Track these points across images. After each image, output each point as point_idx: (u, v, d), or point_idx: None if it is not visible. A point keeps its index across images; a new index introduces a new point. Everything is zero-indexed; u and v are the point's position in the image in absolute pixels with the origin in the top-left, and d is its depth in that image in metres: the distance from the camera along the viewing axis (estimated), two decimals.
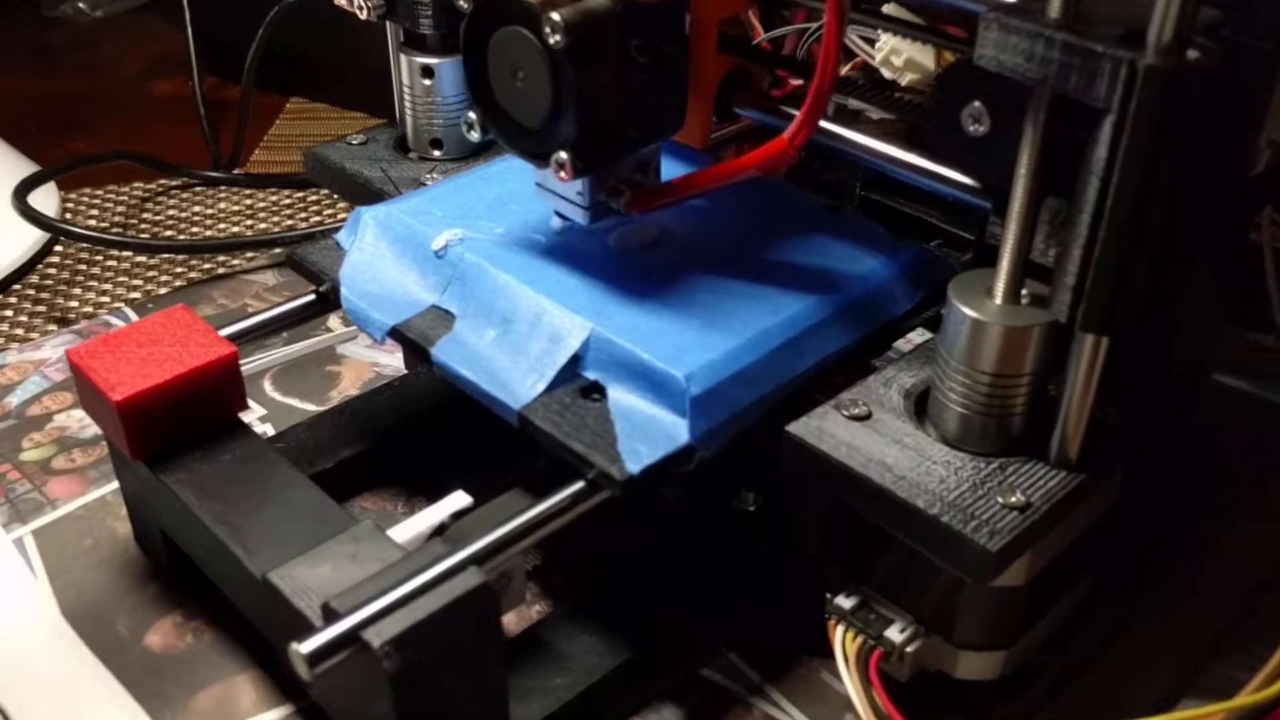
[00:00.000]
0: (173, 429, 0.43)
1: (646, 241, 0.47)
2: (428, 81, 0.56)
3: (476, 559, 0.37)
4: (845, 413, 0.41)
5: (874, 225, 0.49)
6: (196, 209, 0.80)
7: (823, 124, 0.46)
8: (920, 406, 0.42)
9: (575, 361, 0.42)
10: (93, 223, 0.79)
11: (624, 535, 0.49)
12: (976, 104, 0.38)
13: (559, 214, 0.45)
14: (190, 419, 0.43)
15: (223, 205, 0.80)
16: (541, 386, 0.41)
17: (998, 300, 0.38)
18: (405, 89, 0.57)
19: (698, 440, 0.40)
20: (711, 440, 0.40)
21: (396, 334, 0.45)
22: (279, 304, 0.49)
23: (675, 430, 0.40)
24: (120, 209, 0.80)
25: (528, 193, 0.45)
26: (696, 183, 0.44)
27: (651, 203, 0.44)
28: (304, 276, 0.49)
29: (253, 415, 0.57)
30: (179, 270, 0.73)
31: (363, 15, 0.55)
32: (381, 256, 0.48)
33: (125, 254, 0.75)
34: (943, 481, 0.38)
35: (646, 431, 0.40)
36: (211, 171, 0.82)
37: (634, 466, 0.38)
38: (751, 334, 0.42)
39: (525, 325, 0.43)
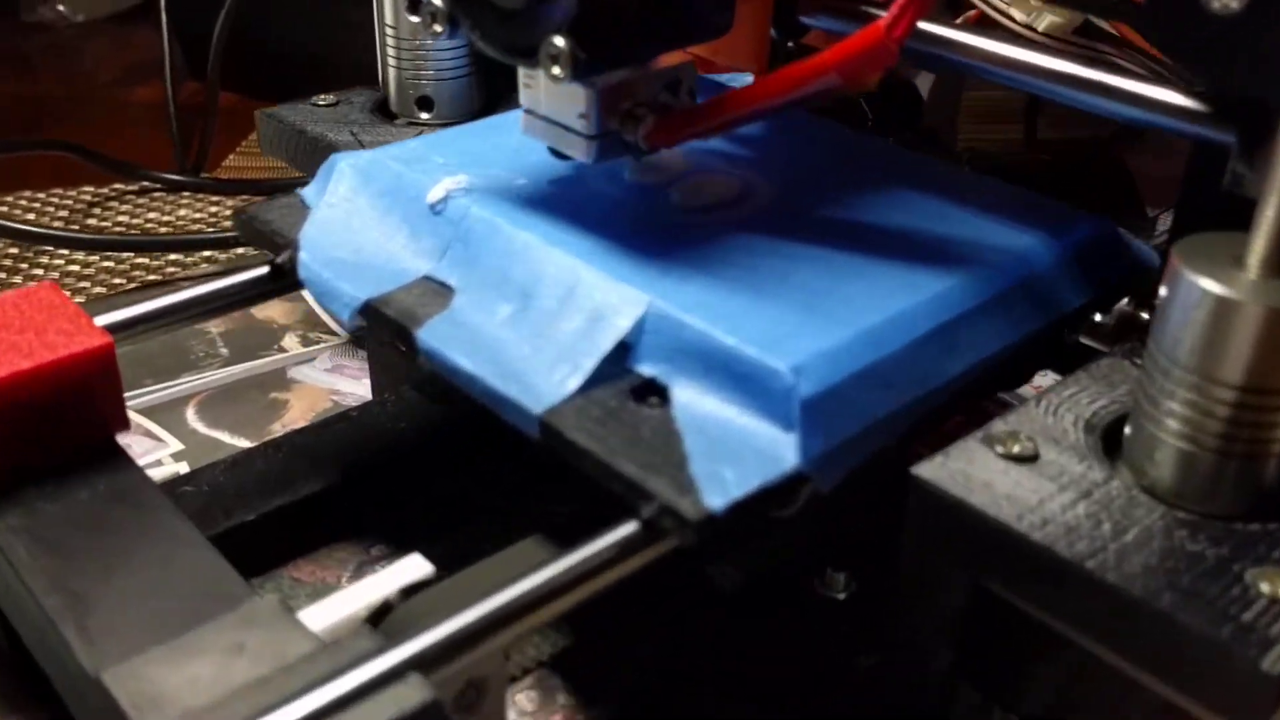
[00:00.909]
0: (10, 451, 0.31)
1: (724, 198, 0.35)
2: (416, 19, 0.43)
3: (423, 660, 0.24)
4: (1000, 450, 0.28)
5: (1037, 195, 0.36)
6: (152, 215, 0.68)
7: (948, 32, 0.33)
8: (1110, 442, 0.28)
9: (625, 352, 0.30)
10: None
11: (661, 629, 0.35)
12: None
13: (554, 151, 0.33)
14: (38, 439, 0.31)
15: (183, 212, 0.68)
16: (575, 383, 0.29)
17: (1254, 273, 0.25)
18: (388, 32, 0.44)
19: (811, 465, 0.27)
20: (830, 467, 0.28)
21: (370, 312, 0.33)
22: (201, 279, 0.36)
23: (777, 449, 0.27)
24: (62, 213, 0.68)
25: None
26: (746, 100, 0.31)
27: (681, 131, 0.32)
28: (254, 243, 0.37)
29: (163, 452, 0.44)
30: (118, 281, 0.60)
31: None
32: (359, 213, 0.36)
33: (60, 258, 0.62)
34: (1166, 557, 0.25)
35: (733, 450, 0.27)
36: (174, 174, 0.69)
37: (716, 500, 0.26)
38: (882, 317, 0.30)
39: (553, 300, 0.31)
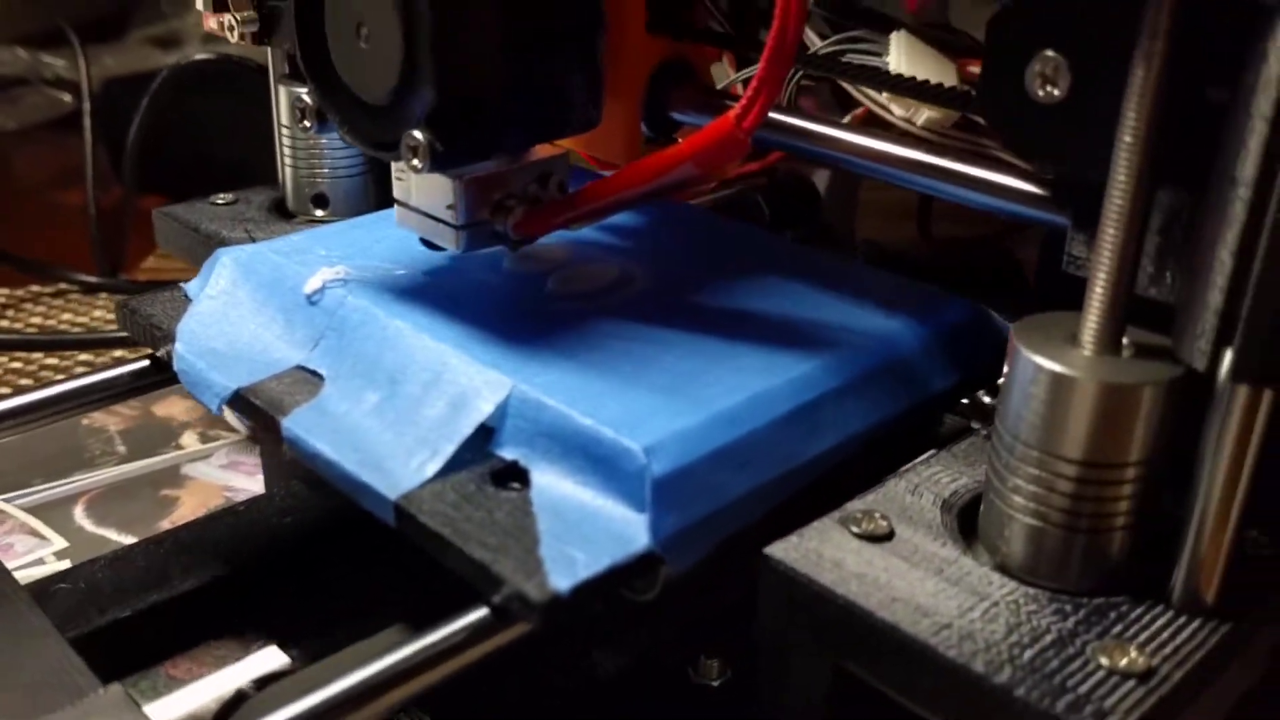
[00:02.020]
0: None
1: (597, 286, 0.35)
2: (294, 114, 0.44)
3: None
4: (855, 529, 0.28)
5: (906, 279, 0.37)
6: (66, 315, 0.68)
7: (816, 126, 0.34)
8: (967, 521, 0.29)
9: (488, 436, 0.30)
10: None
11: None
12: (1049, 53, 0.26)
13: (425, 241, 0.34)
14: None
15: (98, 313, 0.68)
16: (434, 468, 0.29)
17: (1087, 350, 0.25)
18: (284, 132, 0.45)
19: (663, 545, 0.27)
20: (685, 547, 0.28)
21: (239, 402, 0.32)
22: (83, 374, 0.36)
23: (628, 529, 0.27)
24: None
25: None
26: (609, 190, 0.32)
27: (549, 221, 0.32)
28: (136, 337, 0.37)
29: (46, 550, 0.43)
30: (24, 382, 0.60)
31: (233, 37, 0.44)
32: (238, 305, 0.36)
33: None
34: (1010, 633, 0.25)
35: (585, 531, 0.27)
36: (89, 275, 0.69)
37: (562, 581, 0.25)
38: (740, 399, 0.30)
39: (418, 386, 0.31)
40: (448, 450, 0.29)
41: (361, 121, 0.31)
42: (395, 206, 0.34)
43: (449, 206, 0.32)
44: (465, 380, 0.30)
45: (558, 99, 0.32)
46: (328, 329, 0.34)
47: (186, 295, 0.37)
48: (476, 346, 0.31)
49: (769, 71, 0.28)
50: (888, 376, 0.32)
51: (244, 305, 0.36)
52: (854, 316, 0.34)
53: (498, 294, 0.35)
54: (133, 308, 0.37)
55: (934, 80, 0.37)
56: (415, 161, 0.29)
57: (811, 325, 0.34)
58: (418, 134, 0.29)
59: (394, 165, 0.33)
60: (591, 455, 0.28)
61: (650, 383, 0.30)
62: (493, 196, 0.32)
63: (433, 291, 0.34)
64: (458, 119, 0.29)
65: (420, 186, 0.33)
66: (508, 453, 0.29)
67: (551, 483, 0.28)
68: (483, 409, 0.29)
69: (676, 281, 0.36)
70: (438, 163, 0.29)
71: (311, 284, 0.35)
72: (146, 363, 0.37)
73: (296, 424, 0.31)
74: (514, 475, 0.29)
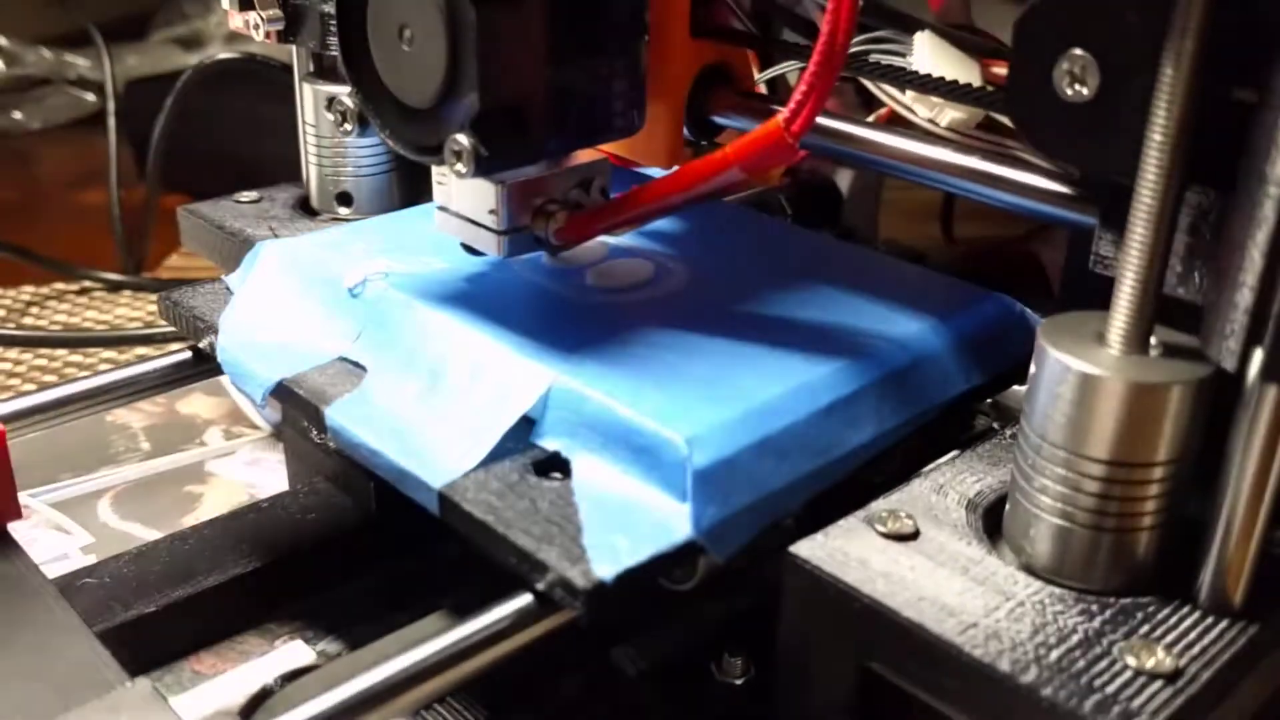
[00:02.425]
0: None
1: (636, 280, 0.36)
2: (335, 117, 0.44)
3: None
4: (880, 528, 0.28)
5: (943, 275, 0.37)
6: (90, 313, 0.68)
7: (841, 124, 0.34)
8: (992, 521, 0.28)
9: (530, 427, 0.30)
10: None
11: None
12: (1078, 52, 0.26)
13: (466, 246, 0.34)
14: None
15: (121, 310, 0.68)
16: (477, 457, 0.29)
17: (1115, 349, 0.25)
18: (309, 130, 0.45)
19: (705, 535, 0.27)
20: (726, 538, 0.28)
21: (283, 393, 0.33)
22: (121, 365, 0.37)
23: (671, 519, 0.27)
24: None
25: None
26: (653, 196, 0.31)
27: (590, 227, 0.32)
28: (178, 328, 0.38)
29: (72, 545, 0.43)
30: (49, 379, 0.60)
31: (258, 36, 0.44)
32: (280, 298, 0.36)
33: None
34: (1036, 632, 0.25)
35: (628, 520, 0.27)
36: (112, 273, 0.70)
37: (606, 569, 0.26)
38: (781, 390, 0.30)
39: (461, 377, 0.31)
40: (490, 440, 0.29)
41: (403, 125, 0.31)
42: (436, 211, 0.34)
43: (491, 211, 0.32)
44: (507, 372, 0.31)
45: (601, 104, 0.32)
46: (369, 321, 0.34)
47: (228, 288, 0.38)
48: (517, 339, 0.32)
49: (818, 76, 0.27)
50: (924, 371, 0.33)
51: (285, 298, 0.36)
52: (891, 311, 0.34)
53: (536, 288, 0.35)
54: (175, 300, 0.38)
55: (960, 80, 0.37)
56: (459, 166, 0.29)
57: (849, 319, 0.34)
58: (461, 138, 0.29)
59: (435, 170, 0.33)
60: (633, 446, 0.28)
61: (690, 374, 0.30)
62: (534, 201, 0.32)
63: (472, 285, 0.35)
64: (502, 124, 0.29)
65: (461, 191, 0.33)
66: (549, 443, 0.30)
67: (593, 473, 0.29)
68: (524, 400, 0.30)
69: (712, 277, 0.36)
70: (481, 168, 0.29)
71: (353, 277, 0.35)
72: (188, 354, 0.38)
73: (340, 414, 0.31)
74: (556, 466, 0.29)
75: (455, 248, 0.36)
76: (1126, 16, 0.24)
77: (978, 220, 0.53)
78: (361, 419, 0.31)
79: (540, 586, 0.26)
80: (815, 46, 0.27)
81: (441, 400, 0.31)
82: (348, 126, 0.32)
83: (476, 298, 0.34)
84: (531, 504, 0.28)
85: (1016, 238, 0.50)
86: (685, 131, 0.39)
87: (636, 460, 0.29)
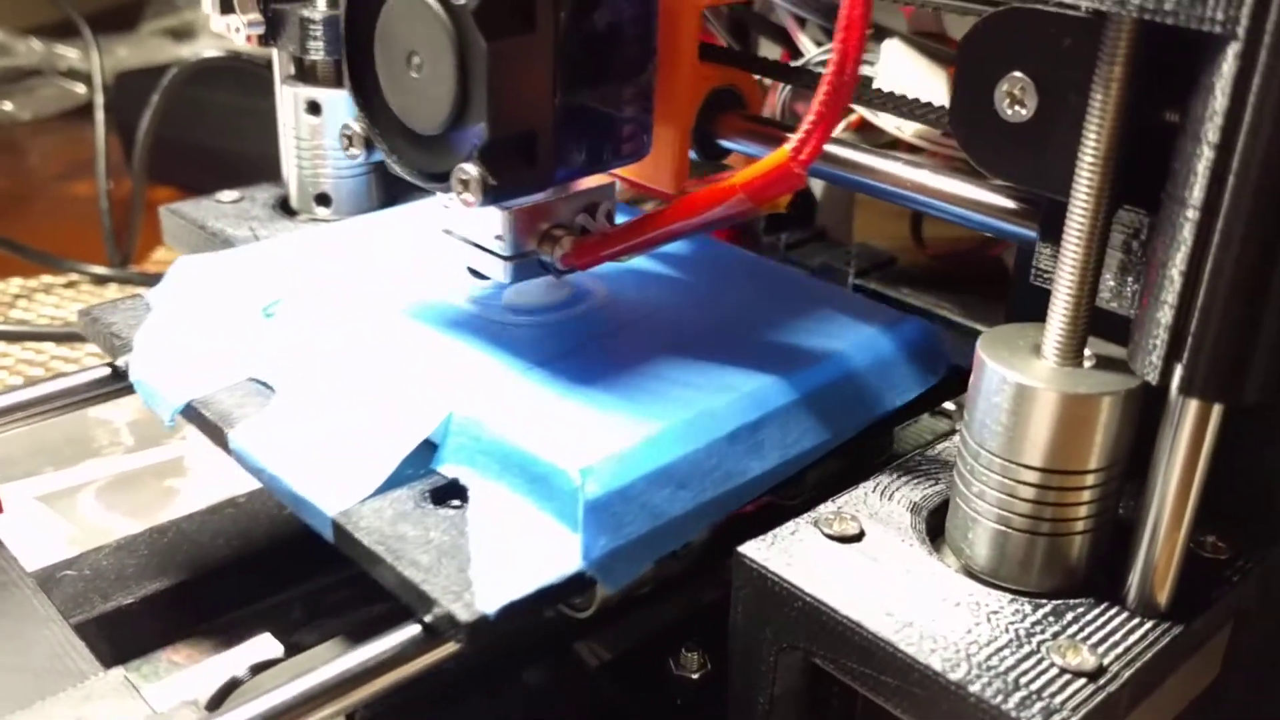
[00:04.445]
0: None
1: (551, 302, 0.35)
2: (315, 120, 0.45)
3: None
4: (826, 530, 0.29)
5: (860, 297, 0.37)
6: (78, 307, 0.68)
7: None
8: (934, 525, 0.29)
9: (431, 453, 0.30)
10: None
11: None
12: (1017, 74, 0.27)
13: (472, 270, 0.33)
14: None
15: None
16: (374, 484, 0.29)
17: (1050, 360, 0.26)
18: (289, 131, 0.46)
19: (596, 566, 0.27)
20: (618, 569, 0.28)
21: (191, 414, 0.33)
22: (38, 381, 0.37)
23: (562, 550, 0.27)
24: None
25: (423, 245, 0.35)
26: (661, 223, 0.31)
27: (597, 252, 0.32)
28: (97, 344, 0.37)
29: (54, 537, 0.44)
30: (35, 372, 0.61)
31: (239, 39, 0.45)
32: (195, 316, 0.36)
33: None
34: (970, 632, 0.26)
35: (518, 551, 0.27)
36: (99, 267, 0.70)
37: (489, 603, 0.26)
38: (682, 418, 0.30)
39: (362, 402, 0.31)
40: (388, 468, 0.29)
41: (410, 151, 0.31)
42: (443, 231, 0.34)
43: (497, 237, 0.32)
44: (408, 398, 0.30)
45: (610, 130, 0.31)
46: (279, 342, 0.34)
47: (147, 304, 0.38)
48: (421, 363, 0.32)
49: (828, 105, 0.27)
50: (834, 395, 0.32)
51: (201, 316, 0.36)
52: (805, 335, 0.34)
53: (450, 309, 0.35)
54: (94, 316, 0.38)
55: (925, 89, 0.38)
56: (467, 195, 0.29)
57: (760, 344, 0.34)
58: (469, 168, 0.29)
59: (440, 195, 0.32)
60: (529, 475, 0.28)
61: (592, 402, 0.30)
62: (540, 226, 0.32)
63: (384, 308, 0.35)
64: (511, 153, 0.29)
65: (466, 215, 0.33)
66: (449, 470, 0.30)
67: (490, 501, 0.29)
68: (424, 427, 0.30)
69: (630, 299, 0.36)
70: (489, 197, 0.29)
71: (266, 296, 0.35)
72: (106, 371, 0.37)
73: (243, 438, 0.31)
74: (455, 493, 0.29)
75: (374, 269, 0.36)
76: (1062, 41, 0.25)
77: (949, 224, 0.53)
78: (263, 443, 0.31)
79: (427, 619, 0.26)
80: (825, 77, 0.27)
81: (344, 425, 0.31)
82: (354, 150, 0.32)
83: (386, 320, 0.34)
84: (424, 532, 0.28)
85: (987, 243, 0.51)
86: (692, 154, 0.39)
87: (532, 489, 0.28)
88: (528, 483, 0.28)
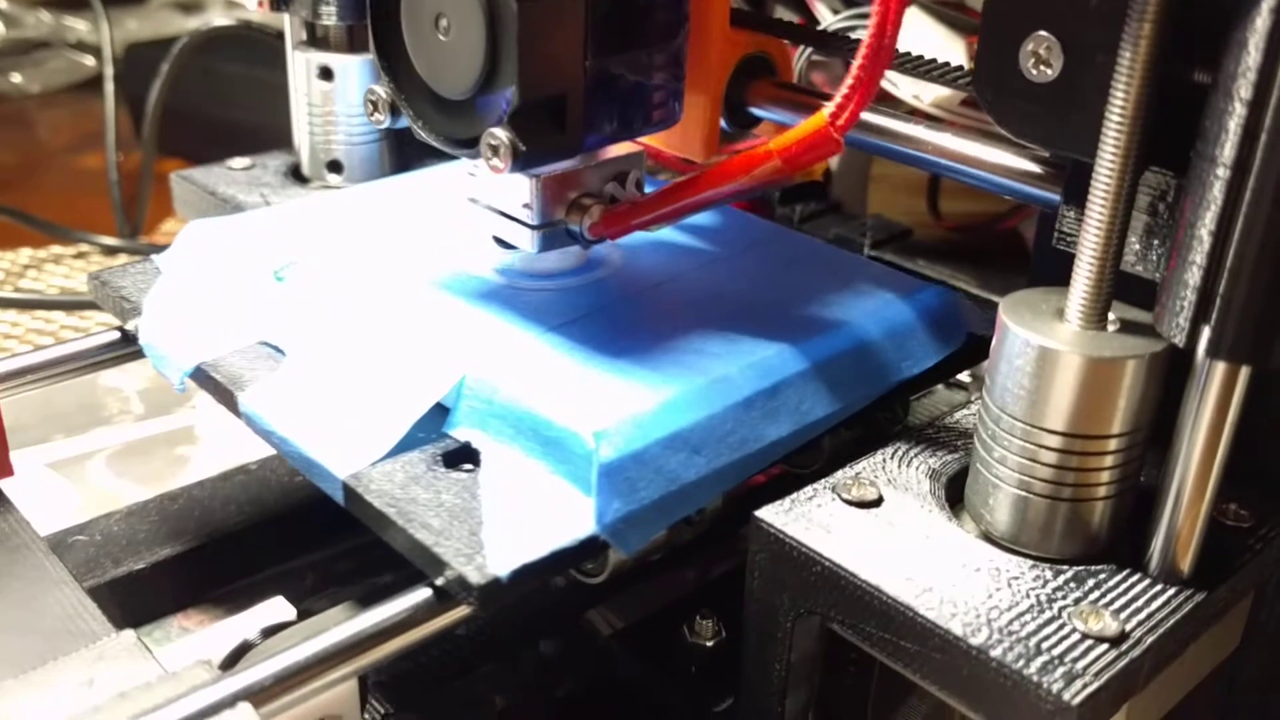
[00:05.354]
0: None
1: (565, 267, 0.35)
2: (326, 86, 0.44)
3: (255, 691, 0.24)
4: (845, 495, 0.28)
5: (879, 265, 0.37)
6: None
7: (815, 101, 0.34)
8: (954, 491, 0.29)
9: (443, 417, 0.30)
10: None
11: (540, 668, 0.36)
12: (1042, 33, 0.26)
13: (498, 239, 0.33)
14: None
15: None
16: (385, 446, 0.29)
17: (1074, 323, 0.26)
18: (300, 97, 0.45)
19: (609, 531, 0.27)
20: (631, 533, 0.27)
21: (200, 377, 0.33)
22: (52, 345, 0.37)
23: (574, 514, 0.27)
24: None
25: (436, 210, 0.34)
26: (694, 190, 0.30)
27: (628, 221, 0.31)
28: (107, 309, 0.37)
29: (66, 503, 0.44)
30: (45, 341, 0.61)
31: (251, 4, 0.44)
32: (205, 280, 0.36)
33: None
34: (990, 597, 0.25)
35: (531, 515, 0.27)
36: (109, 238, 0.70)
37: (500, 566, 0.25)
38: (698, 383, 0.29)
39: (374, 368, 0.31)
40: (400, 430, 0.29)
41: (437, 117, 0.30)
42: (468, 201, 0.33)
43: (525, 205, 0.31)
44: (421, 361, 0.30)
45: (641, 96, 0.31)
46: (291, 306, 0.34)
47: (157, 269, 0.37)
48: (435, 327, 0.31)
49: (866, 70, 0.27)
50: (851, 362, 0.32)
51: (211, 280, 0.36)
52: (823, 302, 0.34)
53: (463, 274, 0.35)
54: (103, 279, 0.37)
55: (942, 57, 0.38)
56: (496, 161, 0.28)
57: (776, 310, 0.33)
58: (499, 133, 0.28)
59: (466, 162, 0.32)
60: (542, 438, 0.28)
61: (607, 366, 0.30)
62: (569, 195, 0.32)
63: (397, 272, 0.34)
64: (541, 118, 0.29)
65: (493, 184, 0.32)
66: (461, 434, 0.29)
67: (502, 465, 0.29)
68: (437, 390, 0.30)
69: (645, 265, 0.36)
70: (519, 163, 0.28)
71: (277, 260, 0.35)
72: (116, 335, 0.37)
73: (253, 401, 0.31)
74: (467, 456, 0.29)
75: (384, 233, 0.36)
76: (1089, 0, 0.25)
77: (965, 197, 0.53)
78: (274, 406, 0.31)
79: (438, 582, 0.26)
80: (864, 41, 0.27)
81: (355, 388, 0.31)
82: (379, 116, 0.31)
83: (397, 284, 0.34)
84: (436, 495, 0.27)
85: (1003, 215, 0.50)
86: (723, 123, 0.38)
87: (545, 453, 0.28)
88: (541, 446, 0.28)
